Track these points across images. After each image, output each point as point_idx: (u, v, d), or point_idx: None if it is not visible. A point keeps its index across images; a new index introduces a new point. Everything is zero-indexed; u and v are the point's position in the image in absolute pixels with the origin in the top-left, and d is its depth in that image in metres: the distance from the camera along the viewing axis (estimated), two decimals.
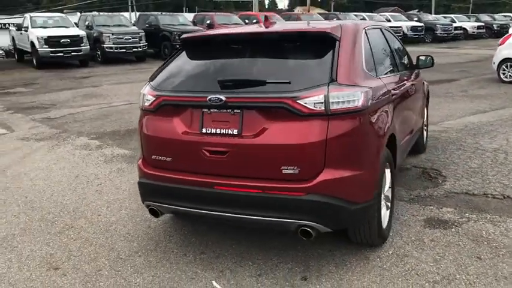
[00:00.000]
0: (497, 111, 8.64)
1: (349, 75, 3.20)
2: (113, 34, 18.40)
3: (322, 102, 3.00)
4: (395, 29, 27.30)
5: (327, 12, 37.39)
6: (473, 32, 31.83)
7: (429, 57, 5.31)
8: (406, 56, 5.26)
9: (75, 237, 4.02)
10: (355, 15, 28.99)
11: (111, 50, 18.36)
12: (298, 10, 48.25)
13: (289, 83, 3.09)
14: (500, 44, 12.06)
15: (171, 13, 24.04)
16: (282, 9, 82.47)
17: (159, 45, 19.76)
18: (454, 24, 30.75)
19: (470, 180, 5.09)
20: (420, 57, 5.32)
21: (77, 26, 19.28)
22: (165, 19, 20.80)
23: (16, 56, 20.60)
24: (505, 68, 11.87)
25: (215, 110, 3.22)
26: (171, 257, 3.64)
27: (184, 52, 3.75)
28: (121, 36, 18.47)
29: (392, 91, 3.83)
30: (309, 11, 34.72)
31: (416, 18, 31.14)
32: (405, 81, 4.58)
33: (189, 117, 3.32)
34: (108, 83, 13.82)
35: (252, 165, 3.13)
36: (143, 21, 21.42)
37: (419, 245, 3.70)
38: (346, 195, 3.11)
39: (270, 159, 3.08)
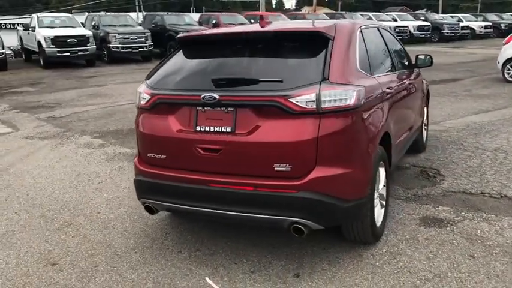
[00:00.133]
0: (500, 111, 8.61)
1: (341, 74, 3.22)
2: (119, 34, 18.51)
3: (313, 101, 3.03)
4: (402, 28, 27.34)
5: (333, 12, 37.33)
6: (481, 32, 31.67)
7: (428, 57, 5.32)
8: (404, 55, 5.28)
9: (73, 234, 4.08)
10: (362, 14, 28.92)
11: (117, 50, 18.47)
12: (305, 10, 48.21)
13: (281, 81, 3.13)
14: (504, 44, 12.01)
15: (177, 13, 24.12)
16: (289, 9, 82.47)
17: (165, 45, 19.83)
18: (461, 24, 30.61)
19: (468, 179, 5.09)
20: (419, 57, 5.33)
21: (84, 26, 19.41)
22: (171, 19, 20.89)
23: (23, 55, 20.78)
24: (510, 68, 11.82)
25: (209, 108, 3.26)
26: (166, 253, 3.69)
27: (180, 51, 3.79)
28: (127, 36, 18.58)
29: (387, 90, 3.85)
30: (315, 11, 34.69)
31: (423, 18, 31.03)
32: (402, 80, 4.59)
33: (183, 116, 3.36)
34: (114, 83, 13.91)
35: (245, 162, 3.16)
36: (149, 21, 21.52)
37: (414, 243, 3.72)
38: (338, 192, 3.14)
39: (262, 157, 3.11)
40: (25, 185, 5.40)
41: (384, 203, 3.88)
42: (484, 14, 37.82)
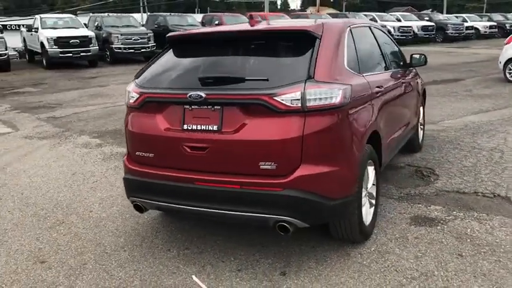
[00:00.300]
0: (500, 111, 8.57)
1: (327, 72, 3.22)
2: (121, 35, 18.58)
3: (298, 99, 3.04)
4: (406, 28, 27.25)
5: (337, 12, 37.28)
6: (485, 32, 31.53)
7: (422, 56, 5.31)
8: (398, 55, 5.27)
9: (65, 233, 4.10)
10: (365, 14, 28.84)
11: (120, 51, 18.54)
12: (309, 10, 48.18)
13: (267, 80, 3.13)
14: (506, 43, 11.96)
15: (179, 14, 24.19)
16: (294, 9, 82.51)
17: None
18: (466, 24, 30.48)
19: (462, 178, 5.07)
20: (414, 56, 5.32)
21: (87, 27, 19.50)
22: (173, 20, 20.96)
23: (27, 56, 20.90)
24: (511, 68, 11.75)
25: (196, 107, 3.27)
26: (155, 252, 3.70)
27: (170, 50, 3.81)
28: (129, 36, 18.65)
29: (376, 89, 3.85)
30: (318, 11, 34.66)
31: (427, 18, 30.92)
32: (395, 80, 4.59)
33: (171, 114, 3.37)
34: (116, 83, 13.96)
35: (231, 161, 3.17)
36: (152, 22, 21.60)
37: (403, 242, 3.72)
38: (324, 190, 3.14)
39: (248, 155, 3.12)
40: (20, 184, 5.44)
41: (373, 201, 3.87)
42: (488, 14, 37.62)
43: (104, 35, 19.01)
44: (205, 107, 3.24)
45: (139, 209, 3.64)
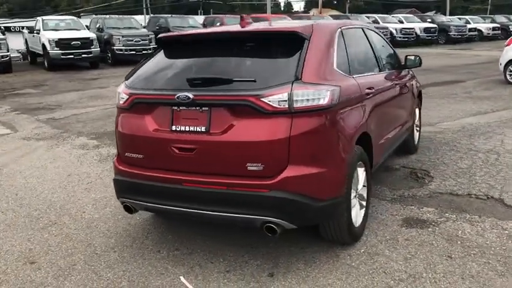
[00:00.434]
0: (498, 113, 8.54)
1: (315, 73, 3.22)
2: (123, 36, 18.64)
3: (285, 100, 3.04)
4: (408, 30, 27.21)
5: (339, 14, 37.26)
6: (488, 34, 31.48)
7: (417, 57, 5.32)
8: (393, 56, 5.26)
9: (56, 233, 4.11)
10: (367, 16, 28.83)
11: (121, 52, 18.59)
12: (312, 12, 48.17)
13: (254, 81, 3.14)
14: (507, 45, 11.92)
15: (181, 15, 24.23)
16: (297, 11, 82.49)
17: None
18: (469, 26, 30.43)
19: (456, 180, 5.06)
20: (408, 57, 5.32)
21: (88, 29, 19.56)
22: (175, 21, 21.02)
23: (29, 58, 20.99)
24: None
25: (184, 108, 3.28)
26: (145, 253, 3.71)
27: (161, 51, 3.82)
28: (131, 38, 18.70)
29: (367, 90, 3.84)
30: (320, 13, 34.66)
31: (429, 20, 30.86)
32: (387, 81, 4.58)
33: (160, 115, 3.38)
34: (116, 85, 13.80)
35: (219, 162, 3.17)
36: (153, 24, 21.67)
37: (393, 244, 3.71)
38: (311, 192, 3.14)
39: (235, 156, 3.12)
40: (15, 185, 5.46)
41: (364, 203, 3.86)
42: (492, 16, 37.53)
43: (105, 37, 19.07)
44: (193, 108, 3.24)
45: (129, 209, 3.64)
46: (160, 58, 3.75)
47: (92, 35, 18.08)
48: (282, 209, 3.08)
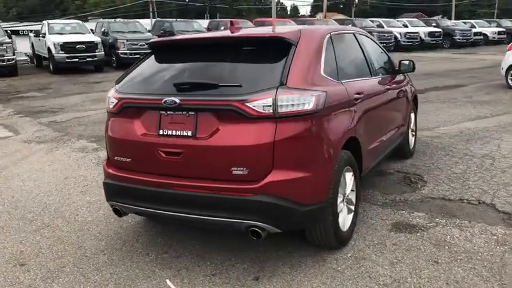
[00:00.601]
0: (498, 117, 8.52)
1: (301, 79, 3.25)
2: (127, 40, 18.77)
3: (270, 105, 3.07)
4: (412, 34, 27.19)
5: (344, 18, 37.30)
6: (494, 38, 31.40)
7: (411, 62, 5.36)
8: (387, 61, 5.28)
9: (48, 236, 4.16)
10: (371, 20, 28.87)
11: (126, 56, 18.71)
12: (318, 16, 48.25)
13: (240, 86, 3.17)
14: (508, 50, 11.89)
15: (185, 20, 24.35)
16: (304, 15, 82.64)
17: None
18: (474, 30, 30.38)
19: (450, 185, 5.06)
20: (402, 62, 5.34)
21: (94, 33, 19.72)
22: (179, 25, 21.14)
23: (35, 61, 21.18)
24: None
25: (171, 112, 3.31)
26: (134, 256, 3.74)
27: (152, 56, 3.86)
28: (135, 42, 18.82)
29: (356, 95, 3.86)
30: (325, 17, 34.71)
31: (434, 24, 30.83)
32: (379, 86, 4.60)
33: (148, 119, 3.42)
34: None
35: (205, 166, 3.21)
36: (158, 28, 21.82)
37: (380, 249, 3.72)
38: (296, 196, 3.16)
39: (221, 161, 3.15)
40: (13, 187, 5.52)
41: (352, 208, 3.88)
42: (497, 20, 37.41)
43: (110, 41, 19.22)
44: (180, 112, 3.28)
45: (118, 213, 3.69)
46: (150, 63, 3.80)
47: (96, 38, 18.23)
48: (267, 213, 3.11)
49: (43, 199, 5.09)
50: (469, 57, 22.62)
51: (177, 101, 3.22)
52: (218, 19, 29.99)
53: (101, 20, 24.12)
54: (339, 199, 3.59)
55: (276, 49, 3.41)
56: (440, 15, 51.35)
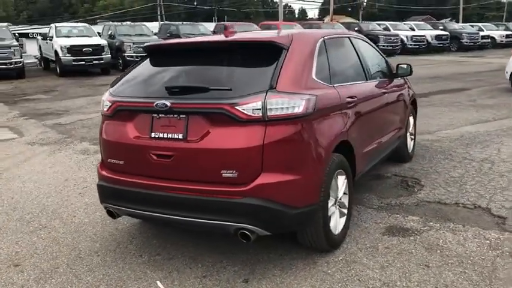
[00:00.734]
0: (500, 121, 8.49)
1: (291, 83, 3.28)
2: (133, 43, 18.89)
3: (259, 109, 3.09)
4: (419, 37, 27.11)
5: (351, 21, 37.25)
6: (502, 41, 31.25)
7: (409, 66, 5.36)
8: (384, 65, 5.29)
9: (44, 237, 4.20)
10: (378, 23, 28.83)
11: (132, 59, 18.77)
12: (327, 19, 48.21)
13: (230, 89, 3.20)
14: None
15: (192, 23, 24.47)
16: (312, 18, 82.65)
17: None
18: (482, 33, 30.24)
19: (446, 189, 5.05)
20: (400, 66, 5.35)
21: (100, 36, 19.88)
22: (185, 29, 21.26)
23: (42, 64, 21.39)
24: None
25: (163, 115, 3.35)
26: (127, 257, 3.78)
27: (147, 60, 3.91)
28: (142, 45, 18.84)
29: (348, 99, 3.88)
30: (331, 20, 34.71)
31: (441, 27, 30.72)
32: (374, 90, 4.61)
33: (141, 122, 3.46)
34: None
35: (195, 169, 3.24)
36: (165, 31, 21.93)
37: (372, 252, 3.72)
38: (285, 199, 3.18)
39: (211, 163, 3.18)
40: (13, 188, 5.58)
41: (344, 211, 3.89)
42: (506, 23, 37.20)
43: (116, 44, 19.36)
44: (172, 115, 3.31)
45: (111, 214, 3.73)
46: (145, 66, 3.84)
47: (103, 41, 18.38)
48: (256, 215, 3.13)
49: (42, 200, 5.14)
50: (476, 61, 22.51)
51: (168, 104, 3.25)
52: (224, 22, 30.05)
53: (108, 23, 24.28)
54: (331, 202, 3.61)
55: (268, 53, 3.43)
56: (449, 18, 51.15)
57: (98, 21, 40.16)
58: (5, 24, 22.25)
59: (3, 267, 3.67)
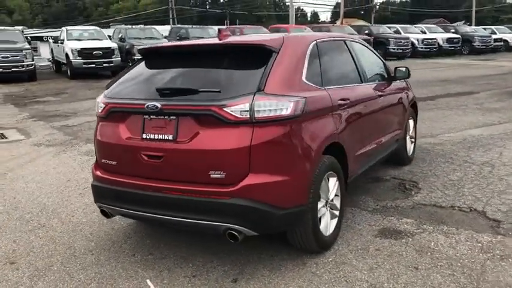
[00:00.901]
0: (505, 125, 8.42)
1: (280, 85, 3.32)
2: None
3: (247, 110, 3.14)
4: (430, 40, 26.97)
5: (361, 24, 37.21)
6: None
7: (407, 69, 5.39)
8: (381, 68, 5.30)
9: (42, 236, 4.28)
10: (388, 27, 28.73)
11: None
12: (339, 22, 48.14)
13: (219, 91, 3.25)
14: None
15: (201, 26, 24.64)
16: (324, 21, 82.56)
17: None
18: (494, 36, 29.96)
19: (443, 192, 5.04)
20: (398, 69, 5.37)
21: (111, 39, 20.10)
22: (195, 32, 21.39)
23: (54, 67, 21.68)
24: None
25: (154, 117, 3.41)
26: (120, 256, 3.84)
27: (141, 63, 3.97)
28: None
29: (340, 101, 3.90)
30: (342, 23, 34.68)
31: (453, 30, 30.52)
32: (369, 92, 4.63)
33: (133, 124, 3.52)
34: None
35: (184, 169, 3.29)
36: (175, 34, 22.09)
37: (362, 254, 3.74)
38: (272, 200, 3.21)
39: (199, 164, 3.23)
40: (16, 188, 5.69)
41: (336, 213, 3.91)
42: None
43: (127, 47, 19.56)
44: (162, 117, 3.37)
45: (105, 214, 3.80)
46: (139, 69, 3.91)
47: (113, 44, 18.59)
48: (243, 216, 3.17)
49: (43, 200, 5.23)
50: (487, 64, 22.33)
51: (159, 105, 3.31)
52: (234, 25, 30.25)
53: (118, 26, 24.54)
54: (321, 204, 3.63)
55: (258, 56, 3.48)
56: (463, 21, 50.77)
57: (110, 24, 40.57)
58: (20, 27, 22.67)
59: None
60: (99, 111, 3.73)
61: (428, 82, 15.12)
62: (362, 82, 4.60)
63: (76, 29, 20.62)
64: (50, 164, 6.80)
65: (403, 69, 5.38)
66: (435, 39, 27.35)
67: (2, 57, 16.82)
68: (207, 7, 63.75)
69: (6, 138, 8.76)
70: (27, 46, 17.49)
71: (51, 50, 21.61)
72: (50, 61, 23.25)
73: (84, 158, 7.05)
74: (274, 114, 3.19)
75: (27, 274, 3.59)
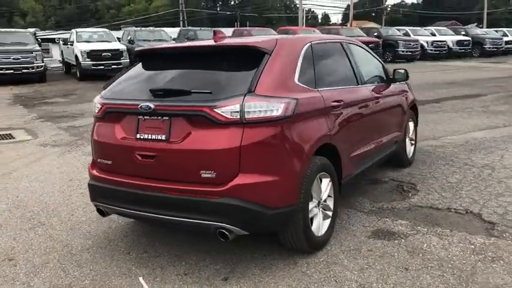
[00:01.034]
0: (509, 128, 8.39)
1: (270, 86, 3.36)
2: None
3: (237, 111, 3.19)
4: (440, 43, 26.83)
5: (370, 26, 37.13)
6: None
7: (405, 71, 5.41)
8: (379, 70, 5.33)
9: (41, 234, 4.37)
10: (398, 29, 28.63)
11: None
12: (349, 25, 48.06)
13: (210, 92, 3.31)
14: None
15: (209, 28, 24.77)
16: (335, 23, 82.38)
17: None
18: (505, 38, 29.71)
19: (441, 194, 5.05)
20: (397, 71, 5.39)
21: (120, 41, 20.29)
22: (203, 34, 21.51)
23: (64, 68, 21.94)
24: None
25: (148, 117, 3.48)
26: (116, 254, 3.90)
27: (138, 64, 4.05)
28: None
29: (334, 103, 3.93)
30: (351, 25, 34.65)
31: (463, 33, 30.32)
32: (365, 94, 4.65)
33: (127, 124, 3.59)
34: None
35: (176, 169, 3.35)
36: (183, 36, 22.24)
37: (354, 254, 3.76)
38: (262, 199, 3.26)
39: (191, 164, 3.29)
40: (19, 187, 5.79)
41: (329, 213, 3.94)
42: None
43: (135, 49, 19.67)
44: (156, 117, 3.44)
45: (102, 213, 3.87)
46: (135, 70, 3.98)
47: (122, 46, 18.77)
48: (233, 215, 3.22)
49: (45, 199, 5.33)
50: (498, 66, 22.18)
51: (152, 106, 3.37)
52: (242, 27, 30.38)
53: (128, 28, 24.75)
54: (312, 204, 3.67)
55: (251, 58, 3.53)
56: (474, 24, 50.39)
57: (121, 26, 40.93)
58: (33, 29, 22.94)
59: None
60: (96, 111, 3.81)
61: (435, 84, 15.07)
62: (358, 84, 4.63)
63: (85, 31, 20.85)
64: (54, 163, 6.90)
65: (402, 71, 5.40)
66: (445, 41, 27.21)
67: (13, 58, 17.08)
68: (218, 9, 63.98)
69: (13, 138, 8.90)
70: (38, 48, 17.73)
71: (61, 51, 21.88)
72: (60, 62, 23.52)
73: (87, 158, 7.12)
74: (265, 115, 3.24)
75: (24, 270, 3.67)
